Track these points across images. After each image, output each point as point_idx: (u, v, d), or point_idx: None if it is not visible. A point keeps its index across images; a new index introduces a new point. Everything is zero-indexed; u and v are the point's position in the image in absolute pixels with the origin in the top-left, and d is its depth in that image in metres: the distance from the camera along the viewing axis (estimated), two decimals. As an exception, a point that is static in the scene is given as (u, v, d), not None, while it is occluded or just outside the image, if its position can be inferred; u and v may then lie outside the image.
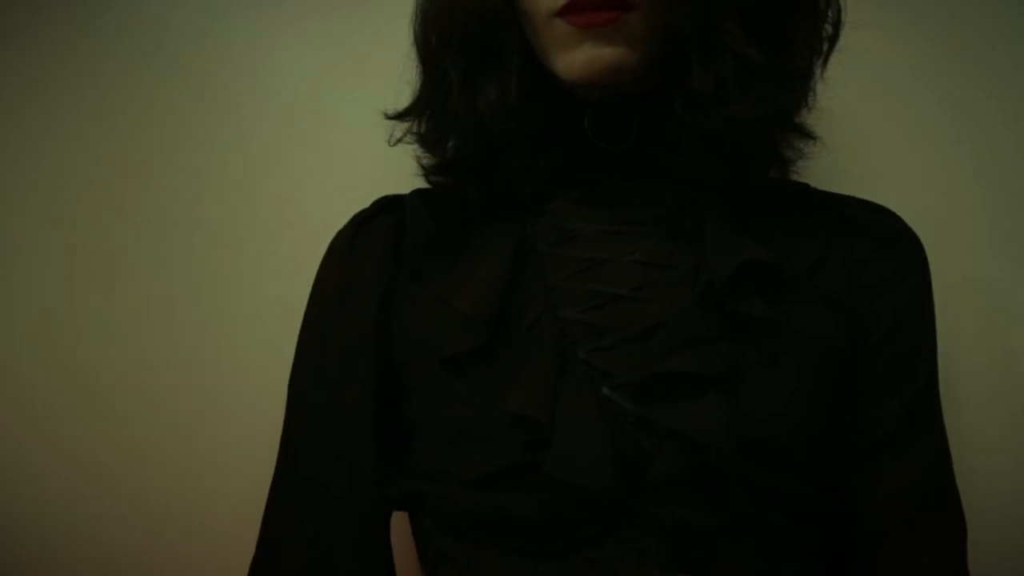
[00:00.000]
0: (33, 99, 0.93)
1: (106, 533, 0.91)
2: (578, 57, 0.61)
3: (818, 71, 0.65)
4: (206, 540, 0.90)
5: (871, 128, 0.87)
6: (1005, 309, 0.85)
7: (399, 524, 0.72)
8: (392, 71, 0.73)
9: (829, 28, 0.64)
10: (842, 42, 0.65)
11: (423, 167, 0.72)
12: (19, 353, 0.92)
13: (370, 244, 0.71)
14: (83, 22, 0.93)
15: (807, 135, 0.68)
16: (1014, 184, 0.86)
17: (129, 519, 0.91)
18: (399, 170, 0.75)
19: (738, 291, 0.61)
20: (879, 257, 0.68)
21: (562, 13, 0.60)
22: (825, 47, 0.65)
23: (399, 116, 0.72)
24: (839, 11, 0.64)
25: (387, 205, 0.74)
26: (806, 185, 0.72)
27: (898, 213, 0.71)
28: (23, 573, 0.92)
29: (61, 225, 0.93)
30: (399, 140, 0.72)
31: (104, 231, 0.92)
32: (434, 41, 0.67)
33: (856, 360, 0.65)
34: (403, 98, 0.72)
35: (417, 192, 0.74)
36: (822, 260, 0.66)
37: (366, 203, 0.75)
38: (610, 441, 0.58)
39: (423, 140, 0.71)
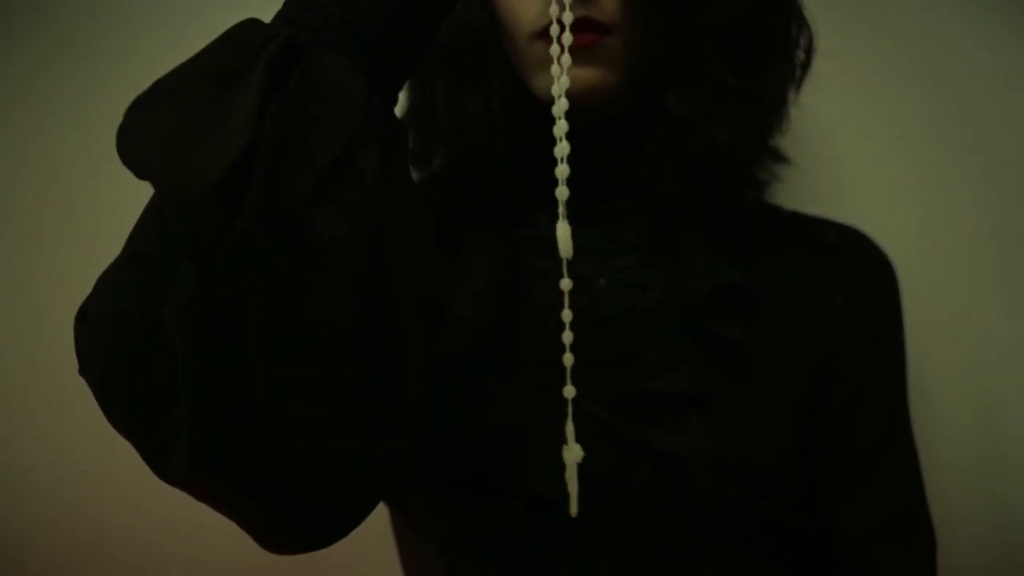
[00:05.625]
0: (27, 100, 0.93)
1: (103, 534, 0.93)
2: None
3: (791, 95, 0.67)
4: (205, 539, 0.90)
5: (842, 149, 0.88)
6: (974, 325, 0.87)
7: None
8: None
9: (801, 54, 0.65)
10: (813, 68, 0.66)
11: None
12: (18, 351, 0.93)
13: None
14: (68, 16, 0.92)
15: (781, 158, 0.70)
16: (985, 201, 0.87)
17: (126, 521, 0.92)
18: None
19: (713, 314, 0.62)
20: (853, 281, 0.69)
21: (543, 35, 0.60)
22: (798, 73, 0.66)
23: None
24: (810, 38, 0.65)
25: None
26: (780, 208, 0.73)
27: (869, 231, 0.72)
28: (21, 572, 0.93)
29: (55, 226, 0.93)
30: None
31: (95, 231, 0.90)
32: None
33: (829, 382, 0.66)
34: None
35: None
36: (796, 284, 0.67)
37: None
38: (588, 457, 0.59)
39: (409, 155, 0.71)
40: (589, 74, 0.61)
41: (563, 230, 0.54)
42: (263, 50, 0.42)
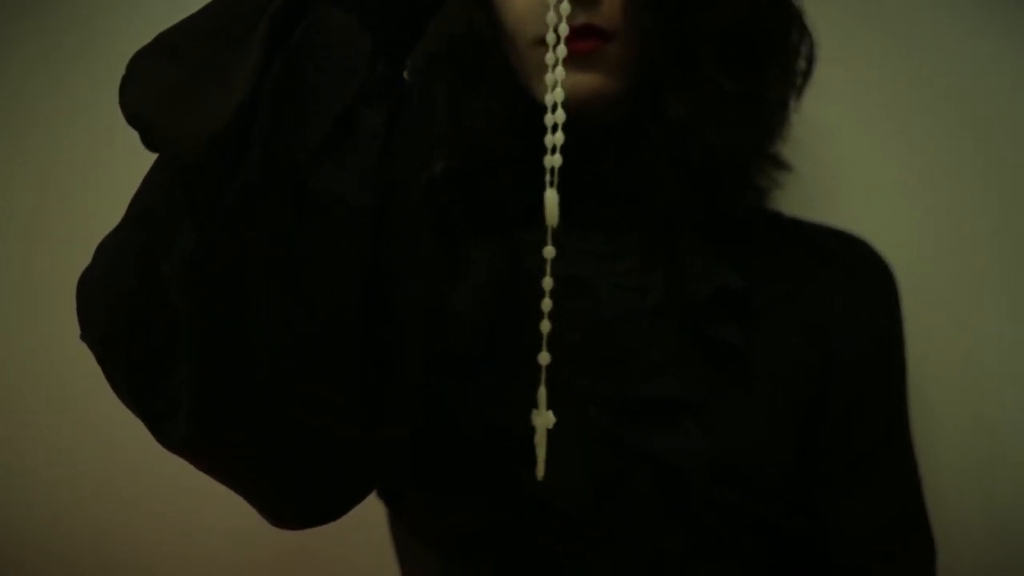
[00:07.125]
0: (25, 98, 0.93)
1: (103, 533, 0.92)
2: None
3: (792, 102, 0.67)
4: (205, 539, 0.91)
5: (842, 154, 0.88)
6: (973, 328, 0.87)
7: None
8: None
9: (803, 62, 0.66)
10: (815, 75, 0.67)
11: None
12: (18, 351, 0.93)
13: None
14: (66, 12, 0.92)
15: (781, 165, 0.70)
16: (985, 203, 0.87)
17: (126, 521, 0.92)
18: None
19: (712, 316, 0.62)
20: (852, 286, 0.69)
21: (543, 41, 0.59)
22: (799, 80, 0.66)
23: None
24: (811, 46, 0.65)
25: None
26: (779, 213, 0.73)
27: (869, 235, 0.72)
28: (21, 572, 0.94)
29: (55, 226, 0.93)
30: None
31: (95, 231, 0.91)
32: (422, 59, 0.68)
33: (828, 384, 0.66)
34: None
35: None
36: (796, 287, 0.68)
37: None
38: (588, 461, 0.59)
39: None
40: (590, 80, 0.61)
41: (551, 198, 0.53)
42: (267, 6, 0.41)
